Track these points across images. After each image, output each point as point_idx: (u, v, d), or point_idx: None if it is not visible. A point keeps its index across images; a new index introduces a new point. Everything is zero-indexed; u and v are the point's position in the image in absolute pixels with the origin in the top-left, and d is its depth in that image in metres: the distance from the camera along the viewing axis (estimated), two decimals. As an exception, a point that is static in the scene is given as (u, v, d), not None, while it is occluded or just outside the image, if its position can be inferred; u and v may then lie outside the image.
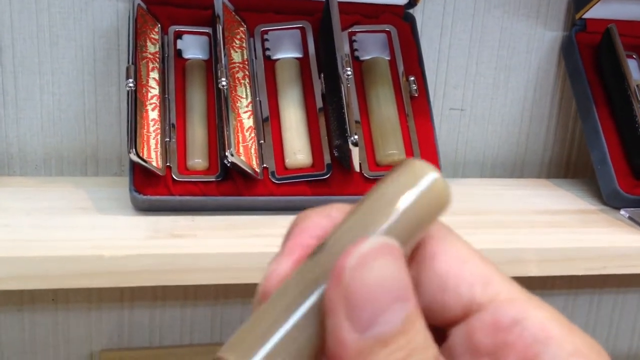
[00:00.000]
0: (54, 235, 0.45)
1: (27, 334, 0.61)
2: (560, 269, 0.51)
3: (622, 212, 0.56)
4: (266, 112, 0.53)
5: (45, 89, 0.57)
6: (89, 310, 0.61)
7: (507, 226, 0.53)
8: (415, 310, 0.20)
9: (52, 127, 0.58)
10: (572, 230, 0.53)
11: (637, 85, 0.59)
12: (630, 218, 0.55)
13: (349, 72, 0.50)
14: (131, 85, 0.49)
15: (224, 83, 0.50)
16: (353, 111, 0.50)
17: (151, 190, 0.49)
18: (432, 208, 0.21)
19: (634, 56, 0.64)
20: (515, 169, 0.68)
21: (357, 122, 0.54)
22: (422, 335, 0.20)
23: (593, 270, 0.51)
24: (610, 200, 0.58)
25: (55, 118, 0.58)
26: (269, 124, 0.53)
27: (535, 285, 0.71)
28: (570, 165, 0.69)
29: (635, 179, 0.58)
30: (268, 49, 0.56)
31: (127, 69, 0.50)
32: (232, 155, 0.48)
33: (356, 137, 0.48)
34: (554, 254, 0.50)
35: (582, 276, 0.71)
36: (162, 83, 0.52)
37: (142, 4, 0.54)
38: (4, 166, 0.58)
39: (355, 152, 0.49)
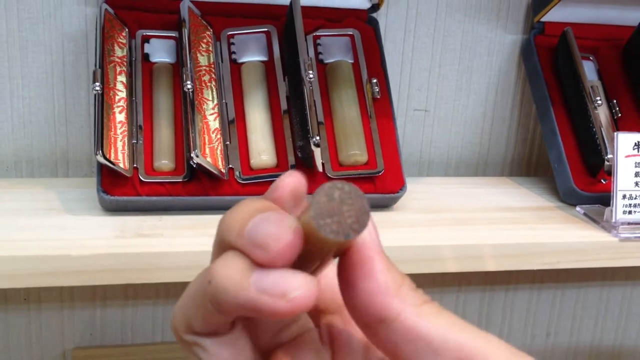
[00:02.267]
0: (23, 235, 0.46)
1: (0, 333, 0.62)
2: (517, 264, 0.53)
3: (578, 208, 0.59)
4: (232, 114, 0.55)
5: (15, 92, 0.58)
6: (61, 309, 0.62)
7: (467, 223, 0.55)
8: None
9: (22, 130, 0.59)
10: (529, 226, 0.55)
11: (592, 87, 0.61)
12: (585, 214, 0.57)
13: (311, 75, 0.52)
14: (98, 88, 0.50)
15: (189, 86, 0.51)
16: (315, 113, 0.51)
17: (118, 190, 0.50)
18: None
19: (590, 58, 0.66)
20: (478, 168, 0.70)
21: (320, 123, 0.55)
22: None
23: (548, 265, 0.53)
24: (567, 198, 0.60)
25: (26, 121, 0.59)
26: (234, 125, 0.54)
27: (498, 280, 0.73)
28: (531, 164, 0.71)
29: (590, 177, 0.60)
30: (234, 52, 0.57)
31: (94, 72, 0.51)
32: (197, 156, 0.49)
33: (318, 138, 0.50)
34: (510, 250, 0.52)
35: (544, 270, 0.73)
36: (130, 86, 0.54)
37: (110, 9, 0.55)
38: (-26, 169, 0.59)
39: (317, 153, 0.51)
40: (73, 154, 0.60)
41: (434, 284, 0.71)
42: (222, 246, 0.25)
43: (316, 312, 0.30)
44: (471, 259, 0.51)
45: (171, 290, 0.65)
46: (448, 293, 0.72)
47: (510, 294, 0.74)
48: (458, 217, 0.56)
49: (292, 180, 0.26)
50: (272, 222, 0.24)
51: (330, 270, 0.27)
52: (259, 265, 0.23)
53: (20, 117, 0.58)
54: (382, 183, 0.55)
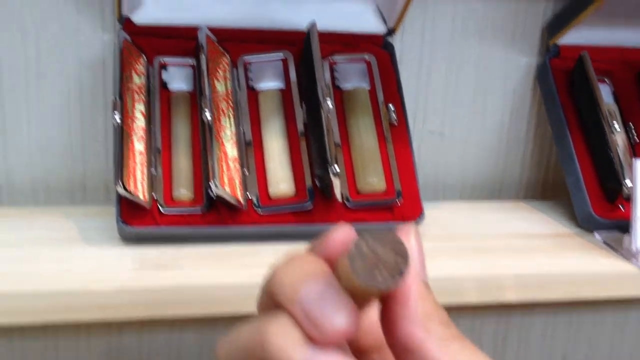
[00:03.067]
0: (42, 268, 0.46)
1: (15, 360, 0.62)
2: (537, 294, 0.53)
3: (596, 235, 0.58)
4: (250, 142, 0.54)
5: (33, 119, 0.58)
6: (77, 339, 0.62)
7: (486, 252, 0.55)
8: None
9: (39, 157, 0.59)
10: (548, 254, 0.55)
11: (609, 110, 0.61)
12: (604, 242, 0.57)
13: (330, 104, 0.52)
14: (117, 119, 0.50)
15: (207, 115, 0.51)
16: (333, 142, 0.51)
17: (138, 221, 0.50)
18: None
19: (606, 80, 0.66)
20: (493, 190, 0.70)
21: (337, 145, 0.55)
22: None
23: (568, 294, 0.53)
24: (585, 224, 0.60)
25: (43, 148, 0.59)
26: (252, 153, 0.54)
27: (515, 304, 0.73)
28: (547, 187, 0.71)
29: (609, 203, 0.60)
30: (251, 79, 0.57)
31: (114, 102, 0.51)
32: (216, 187, 0.49)
33: (337, 168, 0.50)
34: (531, 280, 0.52)
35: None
36: (148, 115, 0.54)
37: (127, 36, 0.55)
38: (-9, 196, 0.59)
39: (336, 183, 0.50)
40: (90, 181, 0.60)
41: (449, 307, 0.71)
42: (272, 301, 0.25)
43: (359, 349, 0.30)
44: (492, 290, 0.51)
45: (187, 321, 0.65)
46: (464, 317, 0.72)
47: (527, 319, 0.73)
48: (476, 245, 0.56)
49: (342, 235, 0.27)
50: (328, 301, 0.24)
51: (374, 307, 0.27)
52: (312, 340, 0.24)
53: (37, 144, 0.59)
54: (400, 211, 0.55)
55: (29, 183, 0.59)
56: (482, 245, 0.56)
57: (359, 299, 0.25)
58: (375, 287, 0.24)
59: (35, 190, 0.59)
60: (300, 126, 0.56)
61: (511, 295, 0.52)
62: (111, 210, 0.54)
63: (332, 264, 0.27)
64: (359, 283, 0.24)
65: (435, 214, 0.62)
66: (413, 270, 0.26)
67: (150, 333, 0.65)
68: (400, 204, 0.55)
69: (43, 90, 0.58)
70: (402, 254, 0.24)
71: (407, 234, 0.28)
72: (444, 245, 0.55)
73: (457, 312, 0.72)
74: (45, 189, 0.59)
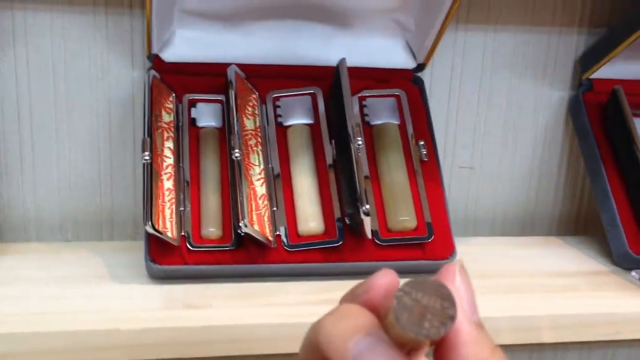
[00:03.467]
0: (70, 306, 0.46)
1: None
2: (574, 335, 0.51)
3: (634, 273, 0.57)
4: (278, 179, 0.54)
5: (62, 154, 0.58)
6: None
7: (520, 290, 0.53)
8: None
9: (68, 192, 0.59)
10: (584, 294, 0.53)
11: (645, 146, 0.60)
12: (641, 280, 0.55)
13: (360, 142, 0.51)
14: (147, 158, 0.50)
15: (237, 154, 0.51)
16: (364, 181, 0.51)
17: (166, 259, 0.50)
18: None
19: (640, 114, 0.65)
20: (525, 225, 0.69)
21: (366, 177, 0.54)
22: None
23: (607, 336, 0.51)
24: (621, 261, 0.58)
25: (72, 183, 0.59)
26: (281, 190, 0.54)
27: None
28: (580, 221, 0.70)
29: (646, 240, 0.58)
30: (280, 115, 0.57)
31: (143, 141, 0.51)
32: (245, 226, 0.48)
33: (367, 207, 0.49)
34: (567, 320, 0.50)
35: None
36: (177, 152, 0.53)
37: (157, 74, 0.55)
38: (20, 231, 0.59)
39: (367, 222, 0.50)
40: (118, 216, 0.60)
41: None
42: (319, 354, 0.25)
43: None
44: (527, 331, 0.50)
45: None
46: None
47: (559, 354, 0.72)
48: (510, 283, 0.55)
49: (386, 281, 0.26)
50: (379, 356, 0.23)
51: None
52: None
53: (66, 179, 0.59)
54: (431, 249, 0.54)
55: (58, 219, 0.59)
56: (515, 283, 0.55)
57: (409, 348, 0.25)
58: (426, 337, 0.23)
59: (64, 226, 0.59)
60: (329, 162, 0.55)
61: (547, 336, 0.51)
62: (139, 245, 0.54)
63: (376, 310, 0.26)
64: (408, 336, 0.23)
65: (466, 249, 0.60)
66: (460, 312, 0.25)
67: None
68: (431, 241, 0.54)
69: (72, 127, 0.58)
70: (448, 298, 0.24)
71: (452, 274, 0.27)
72: (475, 283, 0.54)
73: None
74: (73, 224, 0.59)
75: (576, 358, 0.73)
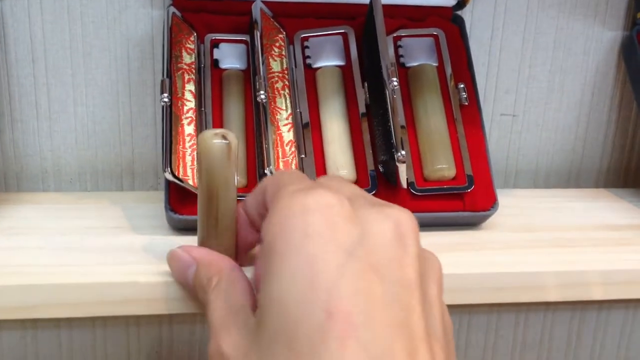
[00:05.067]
0: (88, 259, 0.43)
1: (64, 351, 0.60)
2: (628, 291, 0.47)
3: (691, 227, 0.52)
4: (307, 125, 0.50)
5: (79, 100, 0.55)
6: (128, 333, 0.60)
7: (567, 245, 0.49)
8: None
9: (86, 140, 0.56)
10: (637, 248, 0.49)
11: None
12: (700, 235, 0.51)
13: (395, 83, 0.47)
14: (166, 100, 0.47)
15: (262, 97, 0.47)
16: (399, 125, 0.47)
17: (187, 209, 0.47)
18: None
19: (701, 56, 0.59)
20: (570, 177, 0.64)
21: (403, 127, 0.50)
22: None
23: (662, 293, 0.47)
24: (678, 214, 0.54)
25: (90, 130, 0.56)
26: (310, 137, 0.50)
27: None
28: (629, 173, 0.65)
29: None
30: (308, 56, 0.53)
31: (162, 82, 0.48)
32: (272, 173, 0.45)
33: (403, 153, 0.45)
34: (619, 277, 0.46)
35: None
36: (199, 95, 0.50)
37: (177, 12, 0.52)
38: (38, 181, 0.56)
39: (402, 169, 0.46)
40: (139, 165, 0.57)
41: (527, 303, 0.66)
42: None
43: None
44: (576, 287, 0.46)
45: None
46: (535, 312, 0.66)
47: (604, 314, 0.68)
48: (556, 237, 0.51)
49: None
50: None
51: None
52: None
53: (84, 126, 0.56)
54: (471, 200, 0.50)
55: (76, 167, 0.56)
56: (561, 237, 0.51)
57: None
58: None
59: (82, 175, 0.57)
60: (361, 107, 0.51)
61: (597, 293, 0.47)
62: (160, 196, 0.51)
63: None
64: None
65: (508, 202, 0.56)
66: None
67: (203, 323, 0.62)
68: (472, 192, 0.50)
69: (89, 70, 0.55)
70: None
71: None
72: (519, 237, 0.50)
73: (527, 308, 0.68)
74: (92, 173, 0.57)
75: (621, 318, 0.69)
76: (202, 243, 0.39)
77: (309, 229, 0.28)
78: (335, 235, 0.28)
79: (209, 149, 0.36)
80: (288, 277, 0.28)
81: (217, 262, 0.36)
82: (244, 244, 0.39)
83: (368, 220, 0.29)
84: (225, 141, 0.36)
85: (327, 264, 0.27)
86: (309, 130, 0.50)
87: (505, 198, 0.57)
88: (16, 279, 0.40)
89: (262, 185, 0.35)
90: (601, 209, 0.57)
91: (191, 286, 0.37)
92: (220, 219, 0.38)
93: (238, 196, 0.47)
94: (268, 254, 0.29)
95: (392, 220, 0.29)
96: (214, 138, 0.36)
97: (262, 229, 0.30)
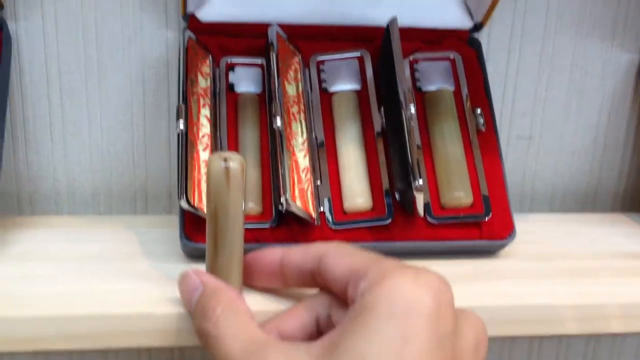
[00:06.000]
0: (101, 288, 0.43)
1: (75, 372, 0.59)
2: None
3: None
4: (323, 150, 0.50)
5: (94, 122, 0.55)
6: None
7: (586, 274, 0.49)
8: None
9: (100, 162, 0.56)
10: (658, 279, 0.49)
11: None
12: None
13: (413, 110, 0.47)
14: (182, 127, 0.46)
15: (279, 124, 0.47)
16: (416, 153, 0.46)
17: (202, 237, 0.46)
18: None
19: None
20: (587, 200, 0.64)
21: (418, 147, 0.50)
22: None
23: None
24: (697, 242, 0.53)
25: (104, 152, 0.56)
26: (325, 163, 0.50)
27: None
28: (647, 196, 0.64)
29: None
30: (324, 80, 0.53)
31: (178, 109, 0.47)
32: (287, 202, 0.45)
33: (421, 182, 0.45)
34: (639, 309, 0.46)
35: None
36: (214, 120, 0.50)
37: (192, 35, 0.51)
38: (51, 203, 0.56)
39: (419, 198, 0.45)
40: (152, 187, 0.57)
41: (543, 336, 0.65)
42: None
43: None
44: (595, 320, 0.45)
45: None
46: (549, 340, 0.66)
47: (618, 341, 0.67)
48: (573, 266, 0.50)
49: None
50: None
51: None
52: None
53: (98, 148, 0.55)
54: (488, 228, 0.49)
55: (90, 190, 0.56)
56: (580, 266, 0.50)
57: None
58: None
59: (96, 197, 0.56)
60: (377, 131, 0.51)
61: (616, 326, 0.46)
62: (174, 220, 0.51)
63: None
64: None
65: (524, 227, 0.56)
66: None
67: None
68: (489, 220, 0.49)
69: (104, 92, 0.54)
70: None
71: None
72: (536, 266, 0.50)
73: (540, 339, 0.67)
74: (106, 196, 0.56)
75: (635, 345, 0.68)
76: (208, 267, 0.40)
77: (416, 304, 0.31)
78: (436, 320, 0.31)
79: (210, 172, 0.36)
80: (381, 339, 0.30)
81: (223, 291, 0.37)
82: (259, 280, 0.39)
83: (460, 319, 0.33)
84: (225, 164, 0.36)
85: (420, 343, 0.30)
86: (325, 155, 0.50)
87: (522, 223, 0.56)
88: (29, 310, 0.40)
89: (320, 250, 0.37)
90: (619, 235, 0.56)
91: (192, 309, 0.38)
92: (220, 243, 0.38)
93: (251, 224, 0.47)
94: (365, 311, 0.31)
95: (475, 329, 0.34)
96: (216, 161, 0.36)
97: (363, 287, 0.33)
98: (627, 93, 0.61)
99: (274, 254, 0.39)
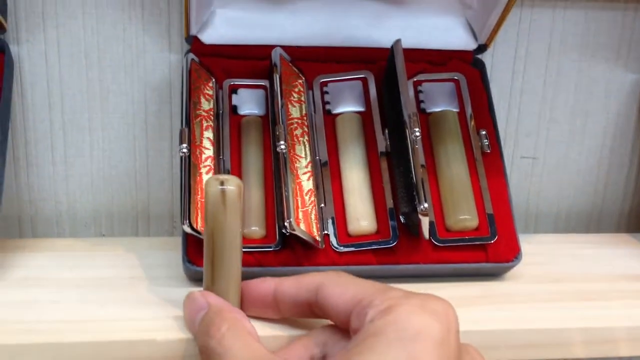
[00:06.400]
0: (104, 314, 0.43)
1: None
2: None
3: None
4: (327, 173, 0.50)
5: (95, 144, 0.55)
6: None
7: (593, 297, 0.48)
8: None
9: (102, 184, 0.55)
10: (666, 302, 0.48)
11: None
12: None
13: (418, 133, 0.46)
14: (185, 150, 0.46)
15: (282, 147, 0.47)
16: (421, 177, 0.46)
17: (205, 261, 0.46)
18: None
19: None
20: (591, 221, 0.63)
21: (424, 178, 0.49)
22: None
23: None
24: None
25: (106, 175, 0.55)
26: (329, 185, 0.49)
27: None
28: (652, 217, 0.64)
29: None
30: (328, 102, 0.52)
31: (181, 132, 0.47)
32: (291, 225, 0.44)
33: (426, 205, 0.44)
34: (649, 333, 0.45)
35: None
36: (217, 143, 0.49)
37: (195, 58, 0.51)
38: (53, 225, 0.56)
39: (425, 222, 0.45)
40: (154, 209, 0.56)
41: None
42: None
43: None
44: (603, 344, 0.45)
45: None
46: None
47: (626, 360, 0.66)
48: (580, 289, 0.49)
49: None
50: None
51: None
52: None
53: (100, 170, 0.55)
54: (494, 250, 0.49)
55: (91, 212, 0.56)
56: (587, 288, 0.50)
57: None
58: None
59: (97, 219, 0.56)
60: (382, 153, 0.51)
61: (625, 350, 0.46)
62: (176, 242, 0.50)
63: None
64: None
65: (529, 249, 0.55)
66: None
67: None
68: (494, 242, 0.49)
69: (106, 114, 0.54)
70: None
71: None
72: (542, 289, 0.49)
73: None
74: (107, 218, 0.56)
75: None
76: (205, 289, 0.40)
77: (424, 328, 0.31)
78: (444, 345, 0.31)
79: (207, 194, 0.37)
80: None
81: (228, 311, 0.37)
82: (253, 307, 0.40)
83: (461, 350, 0.34)
84: (222, 187, 0.36)
85: None
86: (329, 178, 0.50)
87: (527, 245, 0.56)
88: (30, 337, 0.39)
89: (315, 280, 0.37)
90: (625, 257, 0.55)
91: (196, 329, 0.37)
92: (217, 265, 0.39)
93: (255, 247, 0.46)
94: (373, 335, 0.32)
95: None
96: (213, 184, 0.37)
97: (371, 315, 0.33)
98: (631, 113, 0.61)
99: (267, 286, 0.39)
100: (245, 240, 0.47)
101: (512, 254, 0.49)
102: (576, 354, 0.45)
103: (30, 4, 0.51)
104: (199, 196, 0.46)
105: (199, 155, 0.48)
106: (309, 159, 0.49)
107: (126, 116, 0.54)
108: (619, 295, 0.49)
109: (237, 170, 0.49)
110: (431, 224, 0.48)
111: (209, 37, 0.51)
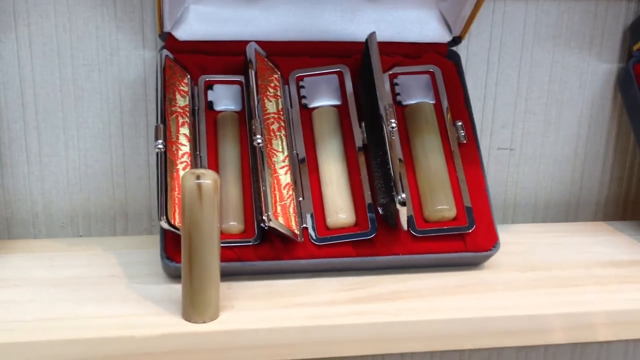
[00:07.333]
0: (81, 311, 0.42)
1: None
2: (632, 332, 0.46)
3: (695, 263, 0.52)
4: (304, 166, 0.49)
5: (70, 143, 0.54)
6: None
7: (571, 284, 0.49)
8: None
9: (78, 184, 0.55)
10: (642, 287, 0.49)
11: None
12: None
13: (394, 125, 0.47)
14: (160, 146, 0.46)
15: (259, 141, 0.47)
16: (399, 167, 0.46)
17: (184, 257, 0.45)
18: None
19: (696, 87, 0.59)
20: (569, 210, 0.64)
21: (400, 161, 0.49)
22: None
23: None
24: (680, 249, 0.53)
25: (82, 174, 0.55)
26: (307, 179, 0.49)
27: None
28: (628, 205, 0.65)
29: None
30: (304, 96, 0.52)
31: (156, 128, 0.47)
32: (269, 219, 0.44)
33: (404, 196, 0.44)
34: (627, 317, 0.46)
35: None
36: (193, 139, 0.49)
37: (170, 54, 0.51)
38: (29, 226, 0.55)
39: (403, 212, 0.45)
40: (132, 207, 0.56)
41: (531, 347, 0.65)
42: None
43: None
44: (581, 329, 0.45)
45: None
46: (535, 350, 0.65)
47: (604, 348, 0.67)
48: (558, 275, 0.50)
49: None
50: None
51: None
52: None
53: (75, 169, 0.55)
54: (472, 240, 0.49)
55: (68, 212, 0.55)
56: (564, 275, 0.50)
57: None
58: None
59: (74, 219, 0.56)
60: (359, 146, 0.51)
61: (603, 334, 0.46)
62: (154, 240, 0.50)
63: None
64: None
65: (508, 238, 0.56)
66: None
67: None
68: (473, 232, 0.49)
69: (80, 113, 0.54)
70: None
71: None
72: (520, 277, 0.50)
73: (526, 349, 0.66)
74: (84, 218, 0.56)
75: (621, 352, 0.68)
76: (184, 282, 0.40)
77: None
78: None
79: (184, 188, 0.37)
80: None
81: None
82: None
83: None
84: (198, 181, 0.37)
85: None
86: (306, 172, 0.49)
87: (505, 234, 0.56)
88: (7, 336, 0.39)
89: None
90: (602, 244, 0.56)
91: None
92: (195, 259, 0.39)
93: (234, 242, 0.46)
94: None
95: None
96: (189, 178, 0.37)
97: None
98: (605, 103, 0.62)
99: None
100: (224, 235, 0.46)
101: (490, 243, 0.49)
102: (556, 339, 0.46)
103: (1, 2, 0.50)
104: (176, 192, 0.46)
105: (175, 152, 0.48)
106: (286, 153, 0.49)
107: (101, 114, 0.54)
108: (597, 281, 0.49)
109: (214, 166, 0.49)
110: (409, 215, 0.48)
111: (183, 33, 0.51)
